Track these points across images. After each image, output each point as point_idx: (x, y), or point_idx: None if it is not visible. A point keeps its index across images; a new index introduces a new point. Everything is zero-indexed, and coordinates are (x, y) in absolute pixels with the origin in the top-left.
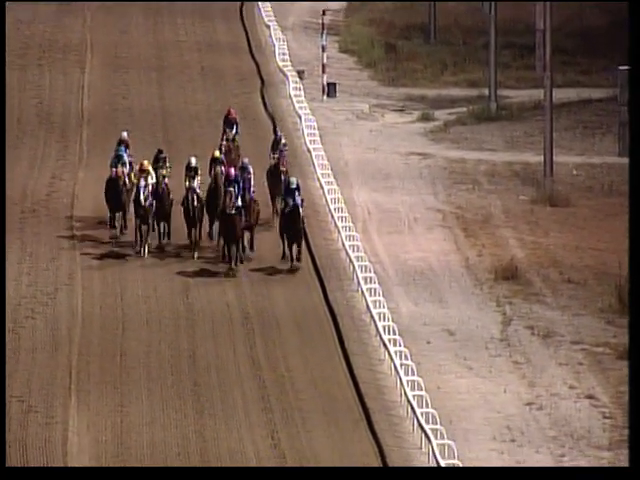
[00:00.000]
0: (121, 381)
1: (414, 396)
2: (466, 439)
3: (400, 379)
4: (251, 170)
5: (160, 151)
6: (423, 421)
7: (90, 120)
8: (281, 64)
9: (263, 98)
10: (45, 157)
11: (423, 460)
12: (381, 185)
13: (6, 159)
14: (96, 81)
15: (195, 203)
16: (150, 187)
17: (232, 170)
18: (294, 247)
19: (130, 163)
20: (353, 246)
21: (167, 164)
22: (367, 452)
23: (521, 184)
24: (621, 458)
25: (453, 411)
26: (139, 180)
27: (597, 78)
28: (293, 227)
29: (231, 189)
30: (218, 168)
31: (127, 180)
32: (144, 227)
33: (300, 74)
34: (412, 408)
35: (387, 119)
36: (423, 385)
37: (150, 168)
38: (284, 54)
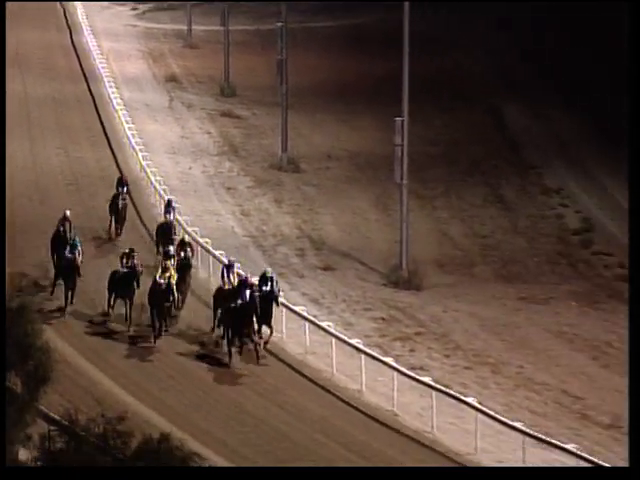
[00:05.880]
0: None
1: (132, 134)
2: (155, 152)
3: (124, 127)
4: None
5: (132, 250)
6: (135, 145)
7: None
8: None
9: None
10: None
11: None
12: (113, 42)
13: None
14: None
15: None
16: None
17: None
18: (263, 328)
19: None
20: (103, 67)
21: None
22: (107, 157)
23: (182, 46)
24: (223, 164)
25: (148, 140)
26: (162, 278)
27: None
28: (265, 309)
29: (247, 292)
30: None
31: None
32: (160, 320)
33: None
34: (129, 138)
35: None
36: (134, 127)
37: (173, 270)
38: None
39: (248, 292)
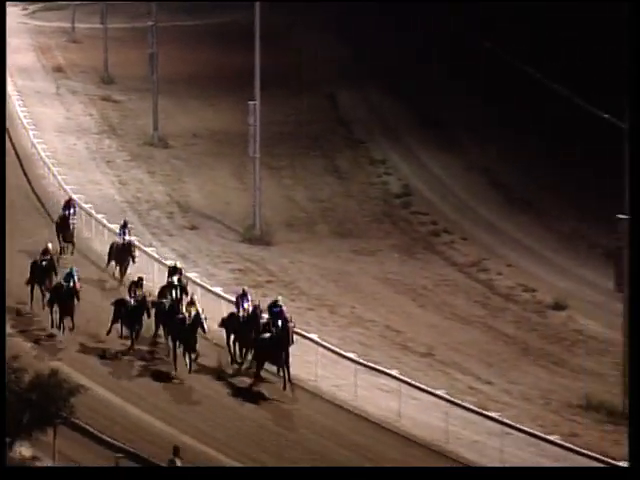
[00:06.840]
0: None
1: (24, 116)
2: (44, 131)
3: (17, 110)
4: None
5: (140, 279)
6: (26, 125)
7: None
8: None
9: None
10: None
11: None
12: (7, 37)
13: None
14: None
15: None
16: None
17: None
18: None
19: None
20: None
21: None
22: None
23: (67, 41)
24: (103, 142)
25: (38, 121)
26: (187, 312)
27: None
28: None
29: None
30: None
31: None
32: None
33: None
34: (21, 119)
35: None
36: (26, 110)
37: (198, 305)
38: None
39: (280, 322)
